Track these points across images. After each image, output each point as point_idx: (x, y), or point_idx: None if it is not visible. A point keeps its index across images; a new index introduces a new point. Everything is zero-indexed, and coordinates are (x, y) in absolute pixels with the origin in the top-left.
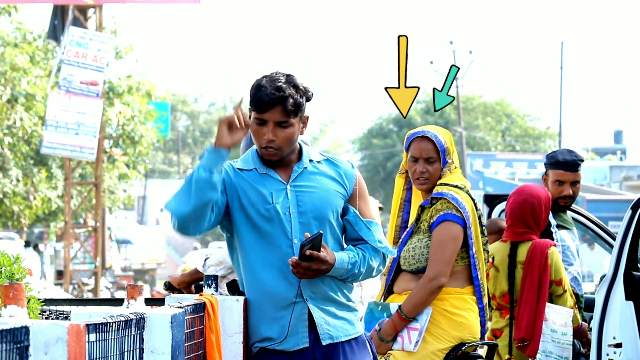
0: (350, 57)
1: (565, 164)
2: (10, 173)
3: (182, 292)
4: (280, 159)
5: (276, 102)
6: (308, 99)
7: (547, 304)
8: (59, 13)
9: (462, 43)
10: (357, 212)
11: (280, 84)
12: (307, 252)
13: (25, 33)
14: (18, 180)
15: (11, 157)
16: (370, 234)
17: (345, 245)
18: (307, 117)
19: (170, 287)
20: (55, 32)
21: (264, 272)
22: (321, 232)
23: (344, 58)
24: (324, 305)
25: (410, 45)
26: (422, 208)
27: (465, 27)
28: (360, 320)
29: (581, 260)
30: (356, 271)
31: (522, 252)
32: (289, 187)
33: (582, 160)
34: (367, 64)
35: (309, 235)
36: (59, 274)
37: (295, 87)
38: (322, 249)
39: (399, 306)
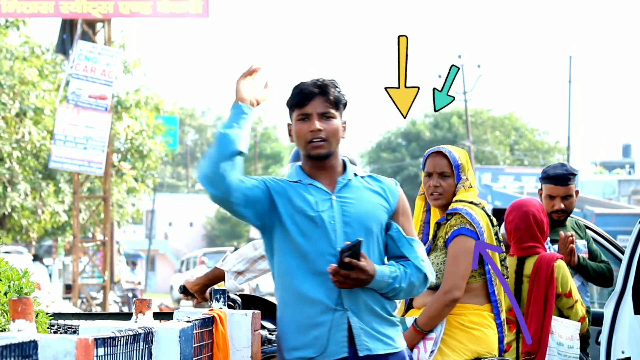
0: (359, 71)
1: (555, 178)
2: (19, 187)
3: (194, 297)
4: (327, 155)
5: (317, 92)
6: (345, 103)
7: (554, 317)
8: (68, 27)
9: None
10: (400, 229)
11: (317, 80)
12: (346, 260)
13: (34, 47)
14: (26, 195)
15: (20, 171)
16: (412, 250)
17: (386, 262)
18: (346, 122)
19: (185, 291)
20: (64, 46)
21: (305, 279)
22: (361, 239)
23: (352, 72)
24: (364, 316)
25: (419, 59)
26: (438, 225)
27: (473, 41)
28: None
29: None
30: (397, 286)
31: (529, 265)
32: (334, 197)
33: (573, 174)
34: (376, 78)
35: (349, 243)
36: (68, 288)
37: (334, 83)
38: (362, 258)
39: (415, 319)
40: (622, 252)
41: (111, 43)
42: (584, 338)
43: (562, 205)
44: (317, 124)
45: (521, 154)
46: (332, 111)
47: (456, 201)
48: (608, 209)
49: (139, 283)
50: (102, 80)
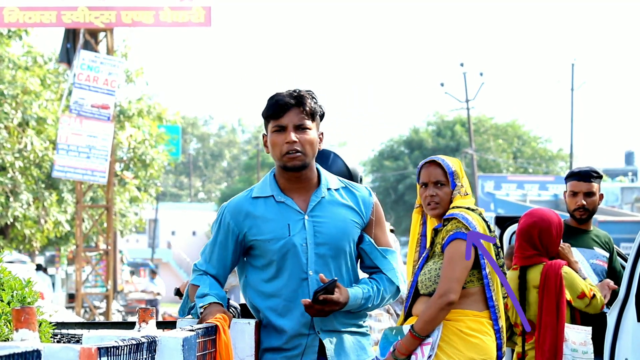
0: (361, 79)
1: (577, 174)
2: (21, 197)
3: None
4: (303, 166)
5: (293, 104)
6: (322, 114)
7: (566, 324)
8: (70, 37)
9: (473, 65)
10: (373, 241)
11: (294, 90)
12: (321, 298)
13: (36, 56)
14: (29, 204)
15: (22, 181)
16: (385, 262)
17: (360, 272)
18: (323, 133)
19: (178, 293)
20: (67, 56)
21: (278, 303)
22: (336, 278)
23: (355, 81)
24: (335, 334)
25: (421, 67)
26: (435, 232)
27: (476, 49)
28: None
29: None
30: (369, 305)
31: (534, 275)
32: (306, 217)
33: (597, 173)
34: (379, 86)
35: (325, 278)
36: (71, 297)
37: (310, 94)
38: (335, 290)
39: (411, 326)
40: (625, 260)
41: (113, 52)
42: (594, 341)
43: (584, 202)
44: (293, 136)
45: (524, 161)
46: (308, 122)
47: (453, 207)
48: (611, 217)
49: (158, 294)
50: (105, 89)
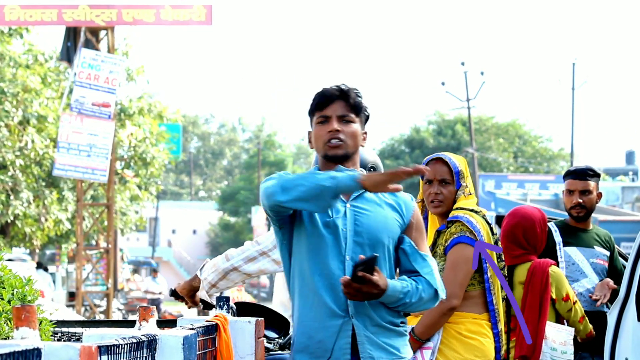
0: (361, 78)
1: (574, 173)
2: (22, 195)
3: (184, 300)
4: (344, 156)
5: (338, 96)
6: (368, 115)
7: (548, 322)
8: (71, 35)
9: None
10: (413, 243)
11: (340, 84)
12: (360, 274)
13: (37, 54)
14: (29, 202)
15: (23, 179)
16: (425, 265)
17: (397, 276)
18: (366, 133)
19: (174, 294)
20: (67, 54)
21: (317, 279)
22: (376, 255)
23: (355, 80)
24: (369, 325)
25: (422, 66)
26: (438, 233)
27: (477, 48)
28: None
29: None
30: (407, 301)
31: (521, 272)
32: (348, 205)
33: (594, 171)
34: (379, 85)
35: (364, 257)
36: (71, 296)
37: (356, 91)
38: (375, 273)
39: (412, 328)
40: (626, 260)
41: (114, 51)
42: (593, 341)
43: (580, 200)
44: (336, 125)
45: (525, 161)
46: (352, 115)
47: (457, 209)
48: (611, 216)
49: (161, 293)
50: (106, 87)
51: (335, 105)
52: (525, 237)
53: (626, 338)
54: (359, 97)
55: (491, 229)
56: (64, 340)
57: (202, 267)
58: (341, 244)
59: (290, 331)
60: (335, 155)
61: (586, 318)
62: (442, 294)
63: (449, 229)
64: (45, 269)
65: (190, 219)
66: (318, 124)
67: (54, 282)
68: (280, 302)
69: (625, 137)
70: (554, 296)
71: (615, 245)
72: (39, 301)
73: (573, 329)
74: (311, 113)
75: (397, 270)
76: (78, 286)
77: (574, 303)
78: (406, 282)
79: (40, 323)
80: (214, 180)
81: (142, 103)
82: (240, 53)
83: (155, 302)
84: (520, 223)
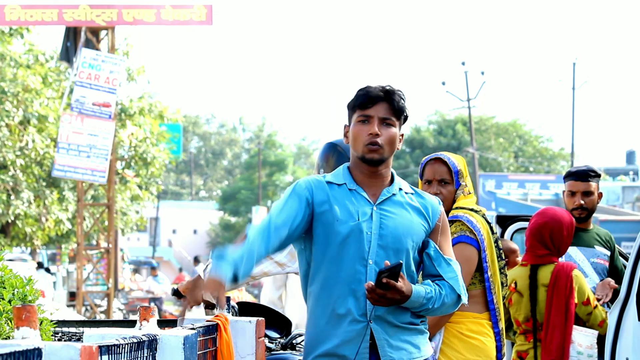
0: (362, 78)
1: (575, 174)
2: (23, 195)
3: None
4: (380, 161)
5: (382, 97)
6: (406, 117)
7: (574, 326)
8: (72, 35)
9: (475, 64)
10: (438, 248)
11: (385, 85)
12: (384, 280)
13: (38, 54)
14: (30, 202)
15: (23, 179)
16: (449, 270)
17: (420, 280)
18: (403, 135)
19: (176, 293)
20: (68, 54)
21: (334, 287)
22: (401, 262)
23: (356, 79)
24: (389, 328)
25: (422, 66)
26: None
27: (477, 48)
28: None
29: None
30: (430, 307)
31: (544, 274)
32: (375, 208)
33: (595, 172)
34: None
35: (389, 263)
36: (72, 296)
37: (400, 93)
38: (400, 279)
39: None
40: (626, 259)
41: (115, 51)
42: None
43: (582, 202)
44: (377, 128)
45: (525, 160)
46: (393, 119)
47: (456, 208)
48: (612, 216)
49: (165, 293)
50: (106, 87)
51: (379, 106)
52: (551, 237)
53: (627, 338)
54: (403, 99)
55: (491, 228)
56: (65, 340)
57: (206, 267)
58: (364, 247)
59: (292, 331)
60: (372, 159)
61: (606, 322)
62: (465, 299)
63: None
64: (48, 270)
65: (190, 219)
66: (358, 122)
67: (54, 282)
68: (269, 301)
69: (625, 137)
70: (575, 300)
71: (616, 245)
72: (39, 301)
73: (597, 332)
74: (351, 108)
75: (421, 273)
76: (79, 286)
77: (595, 307)
78: (430, 288)
79: (41, 323)
80: (214, 180)
81: (143, 103)
82: (240, 53)
83: (157, 302)
84: (549, 223)
